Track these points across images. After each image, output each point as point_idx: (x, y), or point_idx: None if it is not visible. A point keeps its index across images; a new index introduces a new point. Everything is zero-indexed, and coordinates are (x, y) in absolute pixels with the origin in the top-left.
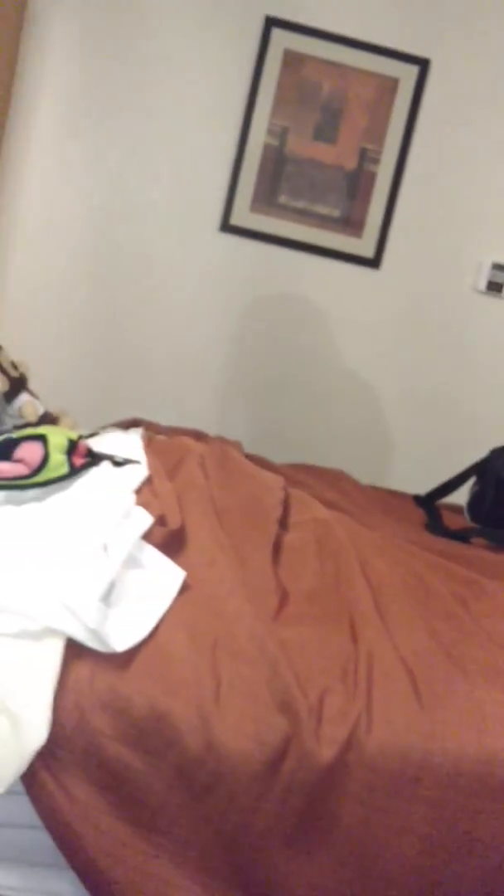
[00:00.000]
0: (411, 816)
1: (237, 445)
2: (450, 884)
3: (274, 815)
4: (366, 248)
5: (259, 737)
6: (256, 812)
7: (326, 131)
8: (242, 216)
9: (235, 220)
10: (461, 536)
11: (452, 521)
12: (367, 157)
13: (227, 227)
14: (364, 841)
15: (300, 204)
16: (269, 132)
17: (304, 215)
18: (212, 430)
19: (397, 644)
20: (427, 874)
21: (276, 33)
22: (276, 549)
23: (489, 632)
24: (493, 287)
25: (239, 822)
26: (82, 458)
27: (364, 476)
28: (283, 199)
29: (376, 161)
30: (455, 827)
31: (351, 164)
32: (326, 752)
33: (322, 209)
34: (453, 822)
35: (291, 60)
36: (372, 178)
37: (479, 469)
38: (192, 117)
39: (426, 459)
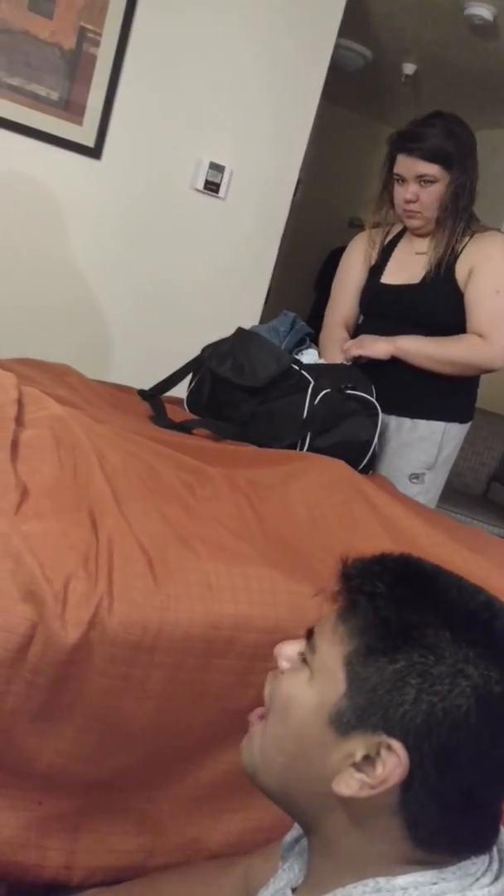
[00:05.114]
0: (149, 681)
1: None
2: (180, 734)
3: (22, 696)
4: (87, 136)
5: (7, 627)
6: (6, 695)
7: (42, 3)
8: None
9: None
10: (184, 427)
11: (175, 414)
12: (87, 38)
13: None
14: (106, 707)
15: (15, 81)
16: None
17: (18, 94)
18: None
19: (134, 530)
20: (161, 728)
21: None
22: (14, 446)
23: (213, 513)
24: (210, 186)
25: None
26: None
27: (86, 370)
28: None
29: (96, 43)
30: (187, 686)
31: (69, 42)
32: (72, 634)
33: (39, 89)
34: (186, 682)
35: None
36: (92, 60)
37: (195, 365)
38: None
39: (146, 354)
